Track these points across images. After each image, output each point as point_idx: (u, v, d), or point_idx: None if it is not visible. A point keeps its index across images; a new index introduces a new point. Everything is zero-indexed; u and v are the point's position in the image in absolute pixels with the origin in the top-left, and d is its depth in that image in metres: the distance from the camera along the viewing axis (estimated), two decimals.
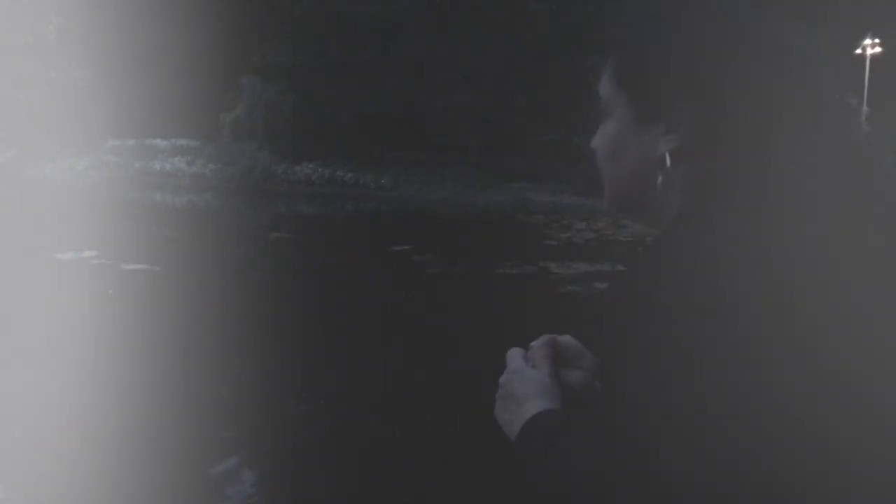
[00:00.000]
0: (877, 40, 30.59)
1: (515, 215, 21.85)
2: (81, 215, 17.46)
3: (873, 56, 30.63)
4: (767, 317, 0.64)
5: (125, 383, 5.19)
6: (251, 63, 32.46)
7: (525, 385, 0.85)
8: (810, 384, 0.64)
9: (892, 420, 0.65)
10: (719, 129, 0.75)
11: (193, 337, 6.55)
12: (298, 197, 26.24)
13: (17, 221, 15.70)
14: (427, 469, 4.25)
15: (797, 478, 0.63)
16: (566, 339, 0.92)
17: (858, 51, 30.83)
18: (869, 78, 30.03)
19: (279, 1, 32.81)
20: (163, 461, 4.00)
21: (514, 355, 0.90)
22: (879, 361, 0.65)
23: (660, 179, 0.79)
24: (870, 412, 0.64)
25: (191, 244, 13.25)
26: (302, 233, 16.85)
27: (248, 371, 5.80)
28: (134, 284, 9.13)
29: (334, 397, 5.45)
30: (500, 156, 31.89)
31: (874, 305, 0.67)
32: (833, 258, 0.67)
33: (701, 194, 0.76)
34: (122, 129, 30.80)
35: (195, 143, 31.64)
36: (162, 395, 5.00)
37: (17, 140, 30.25)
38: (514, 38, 30.56)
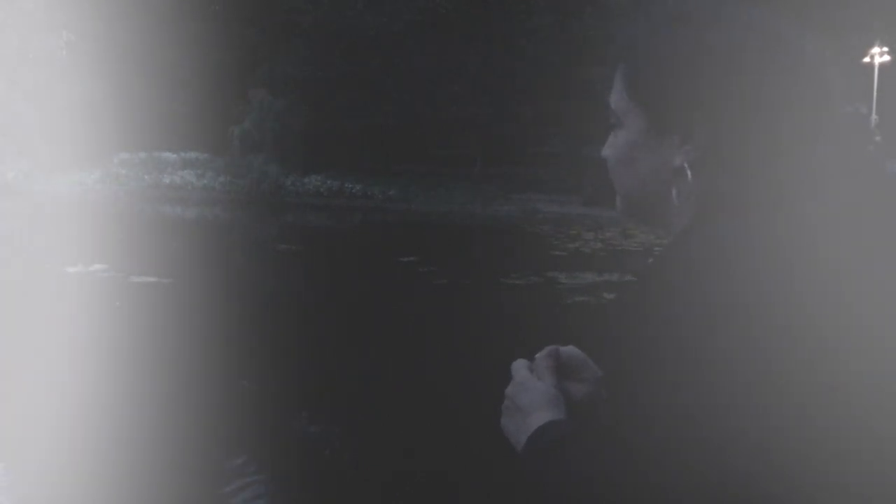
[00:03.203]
0: (885, 48, 30.52)
1: (523, 226, 21.85)
2: (91, 228, 17.56)
3: (882, 64, 30.55)
4: (777, 327, 0.64)
5: (135, 396, 5.20)
6: (259, 76, 32.67)
7: (530, 396, 0.85)
8: (820, 393, 0.63)
9: None
10: (734, 140, 0.75)
11: (203, 349, 6.55)
12: (307, 209, 26.31)
13: (28, 234, 15.80)
14: (434, 479, 4.23)
15: (808, 484, 0.63)
16: (570, 349, 0.92)
17: (867, 59, 30.74)
18: (878, 86, 29.95)
19: (287, 14, 33.03)
20: (170, 475, 3.99)
21: (520, 367, 0.90)
22: (889, 360, 0.65)
23: (675, 191, 0.79)
24: (883, 410, 0.64)
25: (200, 257, 13.30)
26: (310, 244, 16.88)
27: (256, 383, 5.80)
28: (143, 297, 9.16)
29: (343, 409, 5.44)
30: (508, 166, 31.92)
31: (886, 312, 0.66)
32: (845, 267, 0.67)
33: (714, 205, 0.76)
34: (132, 142, 31.00)
35: (204, 156, 31.83)
36: (171, 407, 5.00)
37: (27, 154, 30.48)
38: (520, 50, 30.66)
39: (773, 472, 0.63)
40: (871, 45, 30.57)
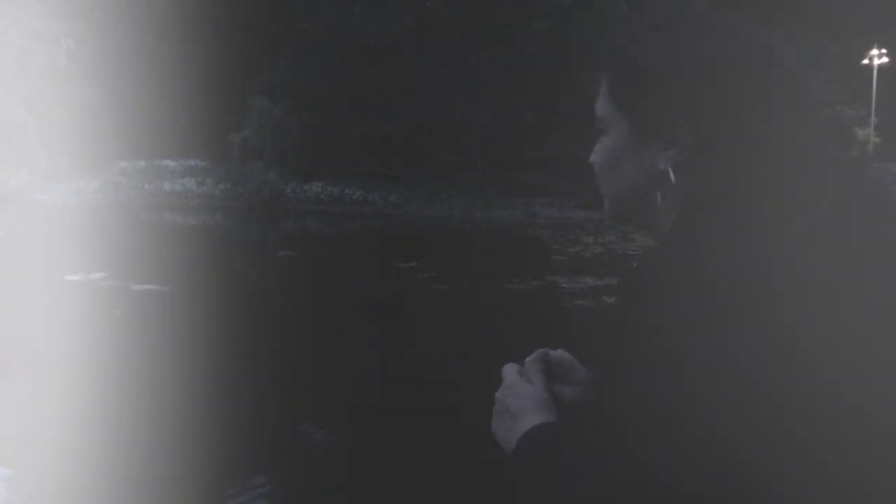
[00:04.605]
0: (883, 50, 30.57)
1: (523, 230, 21.86)
2: (92, 237, 17.58)
3: (881, 66, 30.60)
4: (760, 328, 0.64)
5: (135, 404, 5.20)
6: (259, 83, 32.74)
7: (521, 399, 0.86)
8: (803, 394, 0.64)
9: (883, 420, 0.65)
10: (716, 145, 0.76)
11: (204, 357, 6.55)
12: (307, 215, 26.35)
13: (28, 243, 15.82)
14: (433, 481, 4.24)
15: (790, 485, 0.63)
16: (559, 353, 0.92)
17: (865, 61, 30.78)
18: (877, 88, 29.99)
19: (286, 21, 33.12)
20: (171, 483, 3.99)
21: (510, 370, 0.91)
22: (871, 366, 0.66)
23: (659, 195, 0.80)
24: (861, 415, 0.65)
25: (201, 264, 13.31)
26: (311, 251, 16.90)
27: (257, 389, 5.80)
28: (143, 305, 9.17)
29: (343, 414, 5.45)
30: (507, 171, 31.97)
31: (865, 312, 0.67)
32: (828, 270, 0.67)
33: (696, 208, 0.77)
34: (132, 150, 31.08)
35: (205, 163, 31.90)
36: (172, 415, 5.00)
37: (27, 162, 30.55)
38: (519, 55, 30.73)
39: (752, 475, 0.63)
40: (870, 47, 30.62)
